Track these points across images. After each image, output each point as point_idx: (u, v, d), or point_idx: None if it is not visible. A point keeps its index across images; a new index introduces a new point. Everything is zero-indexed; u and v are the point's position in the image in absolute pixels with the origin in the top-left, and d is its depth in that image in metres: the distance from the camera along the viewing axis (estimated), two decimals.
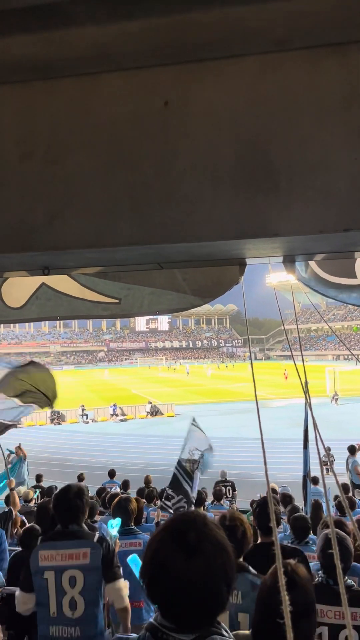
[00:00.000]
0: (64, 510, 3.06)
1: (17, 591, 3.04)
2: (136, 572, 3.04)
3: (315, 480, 8.95)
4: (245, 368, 63.42)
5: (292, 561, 1.71)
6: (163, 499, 5.46)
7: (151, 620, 1.32)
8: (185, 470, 5.52)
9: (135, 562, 3.16)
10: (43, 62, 1.86)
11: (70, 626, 2.86)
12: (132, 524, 4.62)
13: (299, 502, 7.98)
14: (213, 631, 1.27)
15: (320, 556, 2.81)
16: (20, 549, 4.34)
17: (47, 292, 3.20)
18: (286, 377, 46.77)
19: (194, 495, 5.40)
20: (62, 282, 3.16)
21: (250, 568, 2.70)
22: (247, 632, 1.78)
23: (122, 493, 9.15)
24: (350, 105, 1.74)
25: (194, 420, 6.37)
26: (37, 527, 4.41)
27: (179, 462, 5.60)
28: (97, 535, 3.05)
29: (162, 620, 1.29)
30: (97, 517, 6.52)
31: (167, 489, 5.50)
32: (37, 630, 2.97)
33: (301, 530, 4.65)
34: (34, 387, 4.90)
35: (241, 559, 2.81)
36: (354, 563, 3.23)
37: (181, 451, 5.77)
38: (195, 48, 1.78)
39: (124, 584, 3.03)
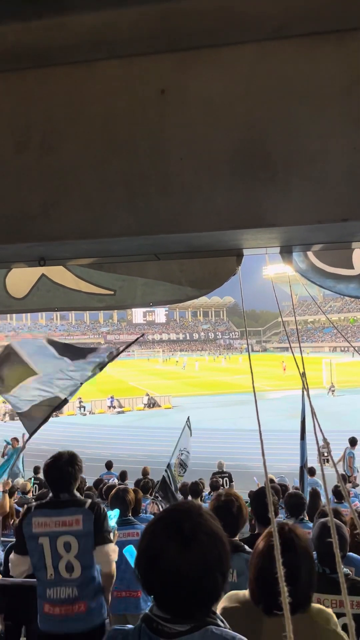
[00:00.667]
0: (56, 478, 3.08)
1: (12, 554, 3.10)
2: (132, 562, 3.05)
3: (312, 472, 9.00)
4: (243, 360, 63.51)
5: (289, 522, 1.74)
6: (154, 497, 5.48)
7: (146, 611, 1.32)
8: (172, 475, 5.56)
9: (131, 553, 3.18)
10: (37, 50, 1.84)
11: (68, 586, 2.94)
12: (130, 514, 4.64)
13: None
14: (208, 621, 1.27)
15: (316, 544, 2.82)
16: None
17: (47, 284, 3.21)
18: (284, 370, 46.89)
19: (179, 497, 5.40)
20: (59, 274, 3.16)
21: (246, 547, 2.72)
22: (245, 592, 1.82)
23: (120, 484, 9.19)
24: (348, 93, 1.72)
25: (188, 419, 6.41)
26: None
27: (169, 466, 5.63)
28: (89, 501, 3.09)
29: (157, 611, 1.29)
30: None
31: (155, 493, 5.52)
32: (35, 604, 3.03)
33: (295, 506, 4.66)
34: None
35: (237, 539, 2.83)
36: (350, 553, 3.25)
37: (172, 454, 5.81)
38: (191, 35, 1.75)
39: (112, 549, 3.08)
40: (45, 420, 4.80)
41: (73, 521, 2.97)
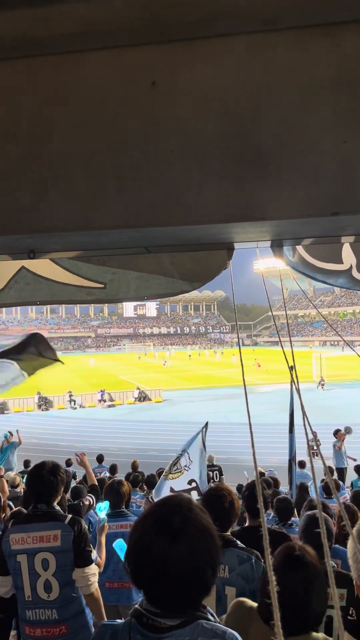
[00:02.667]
0: (37, 488, 2.96)
1: None
2: (122, 556, 3.03)
3: (301, 464, 9.07)
4: (234, 353, 63.63)
5: (298, 542, 1.76)
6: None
7: (136, 605, 1.32)
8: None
9: (121, 547, 3.15)
10: (27, 40, 1.81)
11: (47, 609, 2.80)
12: (123, 507, 4.64)
13: (285, 485, 8.08)
14: (198, 616, 1.27)
15: (302, 536, 2.84)
16: None
17: (27, 276, 3.09)
18: (259, 366, 47.17)
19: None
20: (42, 266, 3.07)
21: (238, 542, 2.73)
22: (254, 603, 1.84)
23: (110, 477, 9.20)
24: (338, 87, 1.72)
25: (206, 425, 6.18)
26: (24, 511, 4.41)
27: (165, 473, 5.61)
28: (69, 516, 2.95)
29: (147, 605, 1.28)
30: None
31: (151, 496, 5.48)
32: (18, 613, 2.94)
33: (284, 511, 4.71)
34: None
35: (228, 533, 2.84)
36: (336, 545, 3.28)
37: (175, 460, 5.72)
38: (182, 27, 1.74)
39: (94, 570, 2.95)
40: None
41: (51, 537, 2.83)
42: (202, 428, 6.14)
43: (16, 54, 1.87)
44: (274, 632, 1.13)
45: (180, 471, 5.61)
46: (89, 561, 2.90)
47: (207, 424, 6.28)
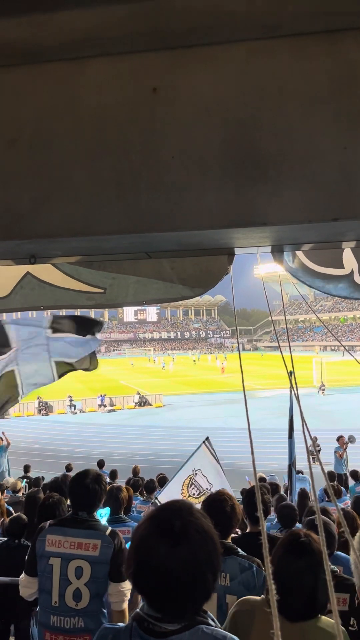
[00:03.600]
0: (80, 495, 2.91)
1: (22, 574, 2.93)
2: None
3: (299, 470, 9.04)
4: (234, 358, 63.60)
5: (303, 530, 1.78)
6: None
7: (137, 610, 1.32)
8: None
9: None
10: (29, 46, 1.83)
11: (73, 617, 2.75)
12: (122, 512, 4.64)
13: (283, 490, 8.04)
14: (199, 620, 1.27)
15: None
16: (5, 539, 4.34)
17: (32, 282, 3.12)
18: (223, 371, 47.32)
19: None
20: (46, 271, 3.09)
21: (240, 550, 2.71)
22: (258, 597, 1.86)
23: (110, 483, 9.18)
24: (338, 93, 1.73)
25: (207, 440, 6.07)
26: (24, 516, 4.40)
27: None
28: (109, 529, 2.90)
29: (148, 609, 1.28)
30: None
31: (154, 501, 5.44)
32: (37, 616, 2.88)
33: (288, 518, 4.69)
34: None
35: (229, 540, 2.83)
36: (337, 552, 3.26)
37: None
38: (183, 34, 1.75)
39: (129, 586, 2.87)
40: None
41: (90, 545, 2.78)
42: (204, 442, 6.02)
43: (19, 60, 1.88)
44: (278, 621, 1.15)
45: (204, 493, 5.51)
46: (124, 576, 2.83)
47: (207, 438, 6.16)
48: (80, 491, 2.91)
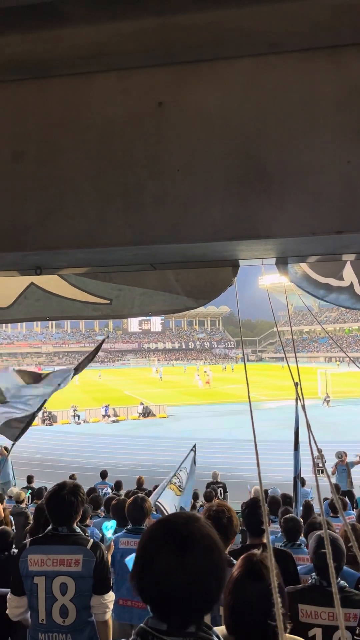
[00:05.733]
0: (56, 509, 2.86)
1: (9, 593, 2.91)
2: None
3: (302, 482, 8.94)
4: (239, 369, 63.47)
5: (256, 551, 1.70)
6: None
7: (141, 624, 1.31)
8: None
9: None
10: (36, 61, 1.86)
11: (61, 633, 2.74)
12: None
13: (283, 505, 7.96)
14: (203, 637, 1.26)
15: (313, 557, 2.81)
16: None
17: (36, 292, 3.12)
18: (208, 383, 47.28)
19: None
20: (51, 282, 3.09)
21: (235, 562, 2.70)
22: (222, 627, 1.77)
23: (114, 494, 9.12)
24: (342, 108, 1.74)
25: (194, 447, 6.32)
26: (9, 529, 4.38)
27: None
28: (91, 541, 2.87)
29: (152, 622, 1.28)
30: (89, 522, 6.48)
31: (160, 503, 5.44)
32: (27, 633, 2.88)
33: (292, 531, 4.65)
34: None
35: (226, 552, 2.81)
36: (345, 568, 3.23)
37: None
38: (189, 49, 1.78)
39: (112, 597, 2.89)
40: (23, 431, 4.95)
41: (72, 561, 2.76)
42: (191, 451, 6.18)
43: (25, 75, 1.91)
44: None
45: (181, 490, 5.61)
46: (107, 588, 2.85)
47: (194, 445, 6.37)
48: (56, 505, 2.87)
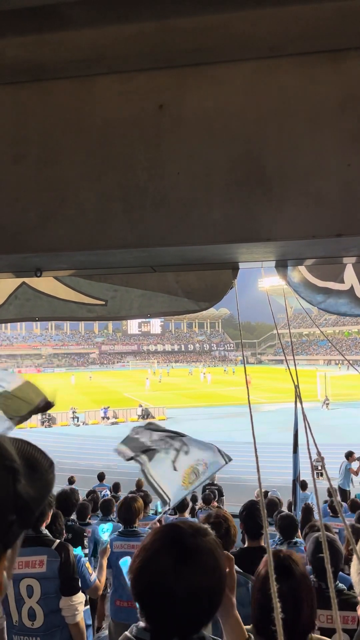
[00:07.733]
0: None
1: None
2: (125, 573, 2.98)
3: (303, 486, 8.93)
4: (239, 372, 63.43)
5: (283, 549, 1.71)
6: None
7: (126, 632, 1.27)
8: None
9: (126, 565, 3.11)
10: (37, 64, 1.86)
11: (32, 636, 2.72)
12: (136, 525, 4.43)
13: (285, 507, 7.96)
14: None
15: (311, 560, 2.81)
16: None
17: (27, 292, 3.06)
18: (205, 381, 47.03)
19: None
20: (43, 282, 3.03)
21: (235, 566, 2.69)
22: (249, 626, 1.78)
23: (113, 496, 9.10)
24: (343, 111, 1.75)
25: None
26: None
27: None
28: (57, 542, 2.85)
29: (137, 632, 1.24)
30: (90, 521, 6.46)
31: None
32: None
33: (288, 528, 4.61)
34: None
35: None
36: (341, 574, 3.22)
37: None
38: (189, 52, 1.78)
39: (81, 598, 2.85)
40: None
41: (36, 562, 2.74)
42: (222, 457, 6.01)
43: (26, 77, 1.92)
44: None
45: (190, 483, 5.46)
46: (75, 590, 2.81)
47: (229, 459, 6.24)
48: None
